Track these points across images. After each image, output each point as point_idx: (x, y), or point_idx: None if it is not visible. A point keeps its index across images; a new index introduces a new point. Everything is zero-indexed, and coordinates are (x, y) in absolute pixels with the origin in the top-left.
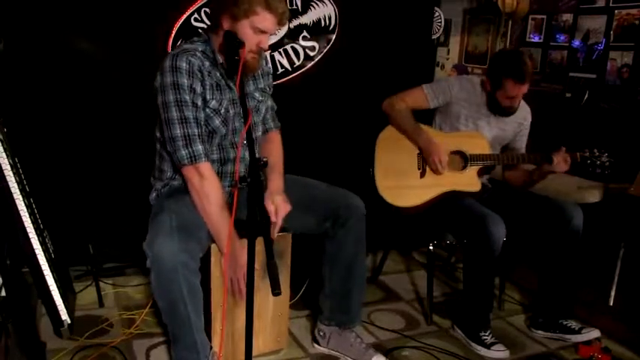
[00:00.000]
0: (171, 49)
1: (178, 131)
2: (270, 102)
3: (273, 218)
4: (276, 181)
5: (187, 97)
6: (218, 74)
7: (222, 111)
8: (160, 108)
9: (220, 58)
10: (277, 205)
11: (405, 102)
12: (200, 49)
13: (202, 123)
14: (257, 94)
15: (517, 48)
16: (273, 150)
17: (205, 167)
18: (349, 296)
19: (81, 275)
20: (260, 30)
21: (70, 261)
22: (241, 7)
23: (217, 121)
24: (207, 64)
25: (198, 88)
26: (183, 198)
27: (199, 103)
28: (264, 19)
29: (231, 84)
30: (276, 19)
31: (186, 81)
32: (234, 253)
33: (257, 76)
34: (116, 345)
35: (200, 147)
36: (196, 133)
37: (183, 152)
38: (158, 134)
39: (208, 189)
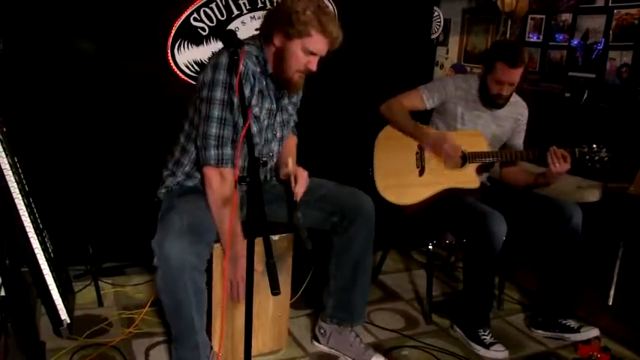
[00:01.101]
0: (171, 49)
1: (214, 130)
2: (294, 116)
3: (292, 184)
4: (290, 158)
5: (235, 100)
6: (264, 83)
7: (261, 119)
8: (201, 102)
9: (271, 69)
10: (294, 172)
11: (402, 104)
12: (254, 54)
13: (239, 129)
14: (290, 108)
15: None
16: (290, 144)
17: (229, 172)
18: (353, 294)
19: (80, 275)
20: (310, 52)
21: (69, 260)
22: (297, 28)
23: (255, 129)
24: (257, 69)
25: (247, 92)
26: (195, 199)
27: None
28: (317, 41)
29: (272, 94)
30: (328, 42)
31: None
32: (235, 256)
33: None
34: (115, 344)
35: (230, 151)
36: (230, 137)
37: (212, 152)
38: (187, 127)
39: (227, 192)
